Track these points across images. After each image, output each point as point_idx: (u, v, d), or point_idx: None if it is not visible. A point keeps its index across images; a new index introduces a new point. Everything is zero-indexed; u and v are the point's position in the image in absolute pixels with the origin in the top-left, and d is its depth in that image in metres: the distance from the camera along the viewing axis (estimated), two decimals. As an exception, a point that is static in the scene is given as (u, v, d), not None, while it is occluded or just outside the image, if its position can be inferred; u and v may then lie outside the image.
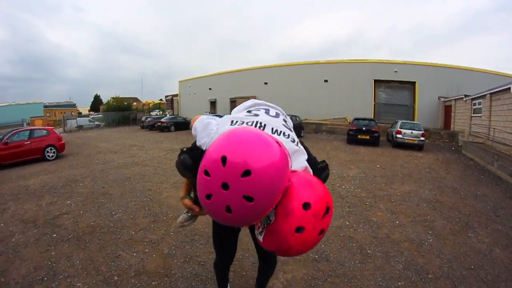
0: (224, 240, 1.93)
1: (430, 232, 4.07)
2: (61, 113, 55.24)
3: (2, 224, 4.34)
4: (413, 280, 2.89)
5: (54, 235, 3.89)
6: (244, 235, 3.20)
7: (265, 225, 1.12)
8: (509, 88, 10.84)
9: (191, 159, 1.45)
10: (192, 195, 1.81)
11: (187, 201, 1.71)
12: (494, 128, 11.85)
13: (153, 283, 2.77)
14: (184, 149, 1.56)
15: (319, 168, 1.51)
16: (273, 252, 1.14)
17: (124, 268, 3.03)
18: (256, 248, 2.03)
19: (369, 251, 3.45)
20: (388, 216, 4.60)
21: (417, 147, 13.22)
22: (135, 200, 5.31)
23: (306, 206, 1.04)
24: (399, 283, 2.83)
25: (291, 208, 1.05)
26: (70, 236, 3.83)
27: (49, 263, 3.17)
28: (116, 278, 2.85)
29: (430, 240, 3.82)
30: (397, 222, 4.38)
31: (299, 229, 1.03)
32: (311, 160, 1.47)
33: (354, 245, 3.61)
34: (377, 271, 3.02)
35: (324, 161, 1.60)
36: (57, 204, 5.18)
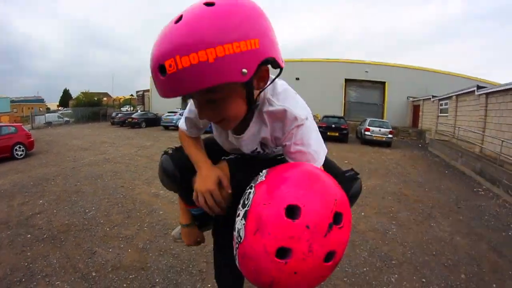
0: (229, 263, 1.25)
1: (394, 222, 4.33)
2: (29, 108, 52.83)
3: (-27, 227, 4.22)
4: (378, 266, 3.11)
5: (29, 235, 3.84)
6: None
7: (237, 245, 0.73)
8: (474, 90, 11.55)
9: (174, 163, 1.08)
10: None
11: (195, 233, 1.35)
12: (459, 127, 12.55)
13: (130, 276, 2.84)
14: (168, 150, 1.15)
15: (346, 179, 1.05)
16: (250, 281, 0.74)
17: (101, 264, 3.07)
18: None
19: None
20: (354, 208, 4.68)
21: (385, 144, 13.77)
22: (108, 197, 5.30)
23: (291, 211, 0.64)
24: (364, 269, 3.04)
25: (265, 215, 0.66)
26: (45, 236, 3.80)
27: (26, 264, 3.14)
28: (94, 274, 2.89)
29: (394, 230, 4.06)
30: (363, 214, 4.62)
31: (281, 252, 0.63)
32: (329, 167, 1.01)
33: None
34: (343, 259, 3.17)
35: (352, 169, 1.14)
36: (29, 204, 5.07)
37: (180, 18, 0.62)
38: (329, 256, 0.66)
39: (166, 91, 0.66)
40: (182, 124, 1.12)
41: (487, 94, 10.52)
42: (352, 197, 1.04)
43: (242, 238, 0.69)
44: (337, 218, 0.67)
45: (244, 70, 0.64)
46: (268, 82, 0.78)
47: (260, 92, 0.82)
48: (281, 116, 0.85)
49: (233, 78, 0.63)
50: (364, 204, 5.07)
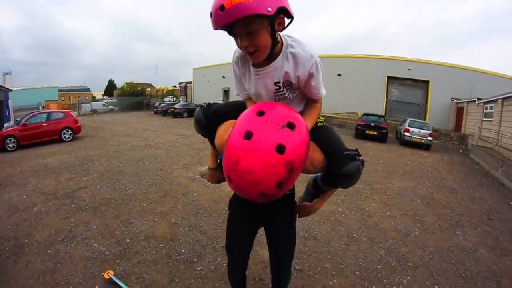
0: (239, 234, 1.64)
1: (418, 225, 4.25)
2: (76, 97, 56.10)
3: (25, 196, 4.82)
4: (392, 266, 3.11)
5: (73, 205, 4.33)
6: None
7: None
8: None
9: (203, 114, 1.41)
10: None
11: (218, 175, 1.67)
12: (503, 134, 11.81)
13: (160, 245, 3.18)
14: (203, 104, 1.49)
15: (342, 156, 1.23)
16: (226, 171, 1.02)
17: (136, 233, 3.44)
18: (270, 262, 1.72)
19: (355, 235, 3.72)
20: (380, 207, 4.82)
21: (424, 146, 13.25)
22: (147, 178, 5.73)
23: (259, 112, 1.03)
24: (378, 266, 3.07)
25: (243, 114, 1.08)
26: (87, 206, 4.26)
27: (69, 227, 3.60)
28: (128, 240, 3.27)
29: (417, 233, 4.00)
30: (388, 213, 4.60)
31: (247, 135, 0.96)
32: (333, 142, 1.29)
33: (342, 228, 3.87)
34: (360, 253, 3.29)
35: (356, 149, 1.28)
36: (75, 180, 5.63)
37: None
38: (280, 148, 0.94)
39: (221, 20, 1.01)
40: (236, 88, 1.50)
41: (535, 97, 9.66)
42: (346, 176, 1.21)
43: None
44: (290, 125, 1.00)
45: (269, 9, 1.00)
46: (285, 26, 1.14)
47: (279, 33, 1.15)
48: (301, 56, 1.17)
49: (263, 11, 0.99)
50: (391, 204, 5.04)
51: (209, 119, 1.39)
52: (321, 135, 1.28)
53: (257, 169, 0.92)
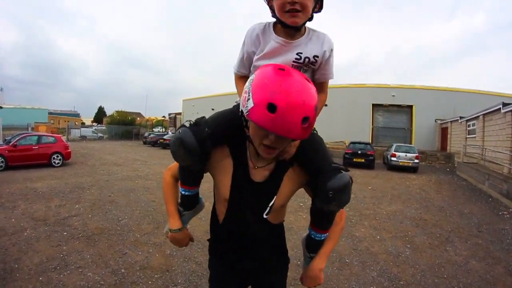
0: None
1: (408, 246, 4.34)
2: (65, 121, 55.69)
3: (14, 220, 4.76)
4: (385, 286, 3.17)
5: (65, 233, 4.28)
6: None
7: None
8: (499, 108, 11.15)
9: (196, 137, 1.08)
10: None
11: (187, 235, 1.41)
12: (486, 148, 12.20)
13: (156, 276, 3.17)
14: (186, 124, 1.17)
15: (332, 168, 1.14)
16: (268, 97, 0.85)
17: (131, 263, 3.42)
18: None
19: (347, 260, 3.77)
20: (370, 232, 4.90)
21: (411, 169, 13.57)
22: (139, 209, 5.69)
23: (280, 69, 0.96)
24: (371, 287, 3.14)
25: (265, 71, 1.00)
26: (80, 235, 4.22)
27: (61, 255, 3.55)
28: (123, 270, 3.24)
29: (408, 253, 4.08)
30: (378, 237, 4.67)
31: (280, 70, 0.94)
32: (317, 161, 1.19)
33: (334, 254, 3.88)
34: (352, 277, 3.34)
35: (337, 164, 1.18)
36: (66, 207, 5.58)
37: None
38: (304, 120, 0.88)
39: None
40: (234, 66, 1.34)
41: (513, 110, 10.04)
42: (333, 190, 1.07)
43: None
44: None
45: None
46: (317, 11, 1.15)
47: (313, 15, 1.15)
48: (325, 36, 1.20)
49: None
50: (381, 228, 5.12)
51: (203, 144, 1.10)
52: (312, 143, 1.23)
53: (301, 87, 0.89)
